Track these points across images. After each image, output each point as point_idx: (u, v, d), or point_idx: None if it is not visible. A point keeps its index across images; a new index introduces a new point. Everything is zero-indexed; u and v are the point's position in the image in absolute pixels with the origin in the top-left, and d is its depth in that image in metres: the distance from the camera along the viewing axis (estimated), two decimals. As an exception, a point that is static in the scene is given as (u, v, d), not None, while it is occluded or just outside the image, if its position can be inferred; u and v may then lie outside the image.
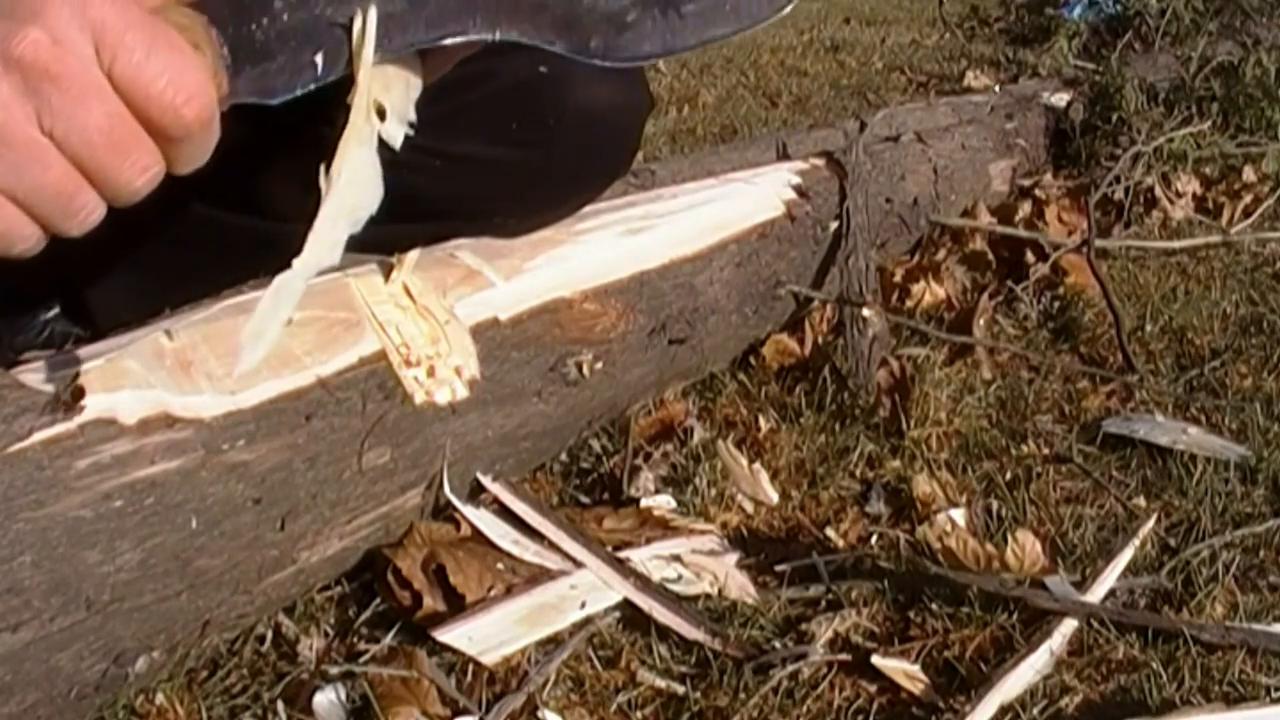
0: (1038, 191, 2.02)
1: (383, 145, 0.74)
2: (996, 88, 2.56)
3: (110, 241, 1.10)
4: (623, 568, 0.98)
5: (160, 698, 0.83)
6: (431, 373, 0.99)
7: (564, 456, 1.19)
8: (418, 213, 1.08)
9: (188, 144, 0.62)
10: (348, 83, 0.69)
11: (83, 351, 0.85)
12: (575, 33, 0.70)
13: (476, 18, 0.69)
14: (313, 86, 0.67)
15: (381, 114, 0.72)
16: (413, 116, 0.74)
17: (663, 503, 1.11)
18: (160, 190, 1.06)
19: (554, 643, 0.92)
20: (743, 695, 0.86)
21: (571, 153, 1.11)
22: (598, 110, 1.11)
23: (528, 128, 1.08)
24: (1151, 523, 1.08)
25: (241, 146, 1.04)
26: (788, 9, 0.74)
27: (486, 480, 1.04)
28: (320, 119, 1.02)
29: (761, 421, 1.26)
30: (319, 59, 0.66)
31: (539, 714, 0.84)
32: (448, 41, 0.69)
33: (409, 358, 0.98)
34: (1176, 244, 1.85)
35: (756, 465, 1.17)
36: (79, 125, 0.58)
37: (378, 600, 0.95)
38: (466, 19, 0.69)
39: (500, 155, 1.09)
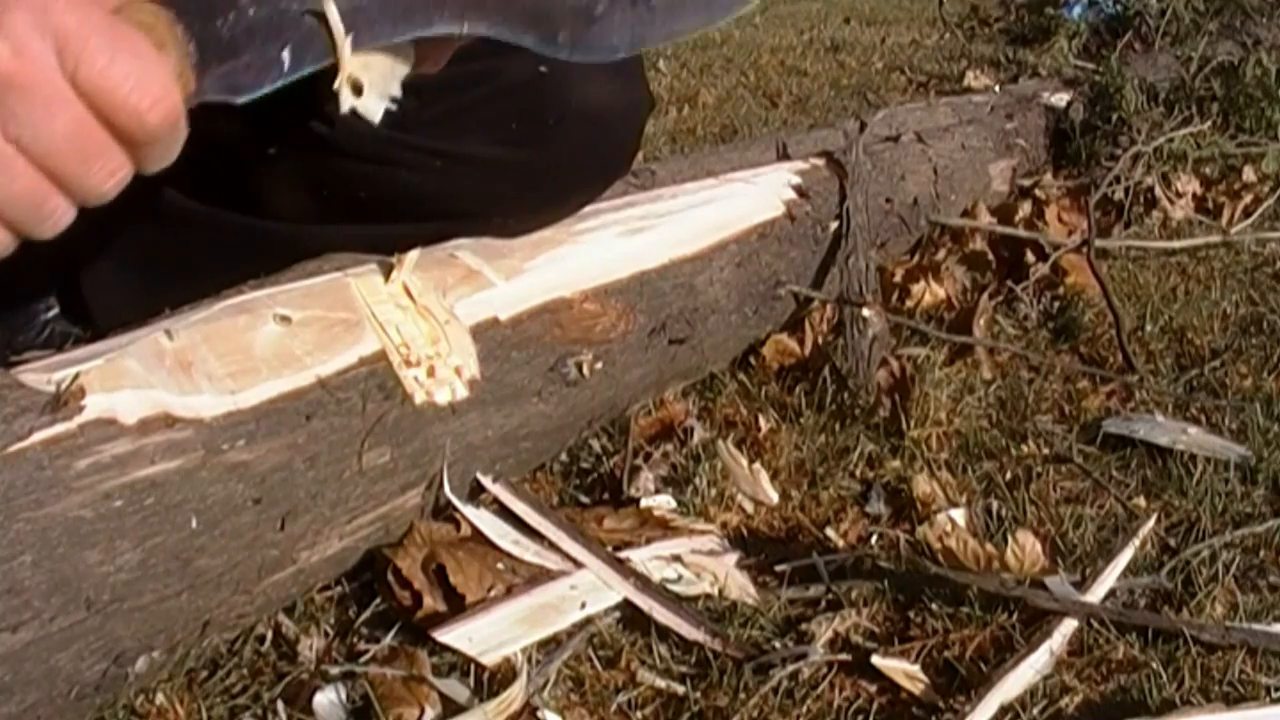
0: (1038, 191, 2.02)
1: (361, 119, 0.74)
2: (996, 88, 2.56)
3: (110, 242, 1.11)
4: (623, 568, 0.98)
5: (160, 698, 0.83)
6: (431, 373, 0.99)
7: (564, 456, 1.19)
8: (418, 213, 1.09)
9: (154, 146, 0.62)
10: (325, 76, 0.69)
11: (83, 351, 0.85)
12: (544, 25, 0.70)
13: (444, 10, 0.69)
14: (280, 83, 0.66)
15: (358, 89, 0.71)
16: (396, 93, 0.74)
17: (663, 503, 1.11)
18: (161, 190, 1.06)
19: (554, 643, 0.92)
20: (743, 695, 0.86)
21: (571, 153, 1.11)
22: (598, 110, 1.11)
23: (528, 128, 1.08)
24: (1151, 523, 1.08)
25: (241, 146, 1.05)
26: (754, 2, 0.74)
27: (486, 480, 1.04)
28: (319, 119, 1.03)
29: (761, 421, 1.26)
30: (286, 54, 0.66)
31: (539, 714, 0.84)
32: (415, 34, 0.69)
33: (409, 358, 0.98)
34: (1176, 244, 1.85)
35: (756, 465, 1.17)
36: (44, 134, 0.58)
37: (378, 600, 0.95)
38: (434, 11, 0.69)
39: (500, 155, 1.09)
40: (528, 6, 0.70)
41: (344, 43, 0.67)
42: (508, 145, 1.09)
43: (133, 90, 0.59)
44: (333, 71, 0.69)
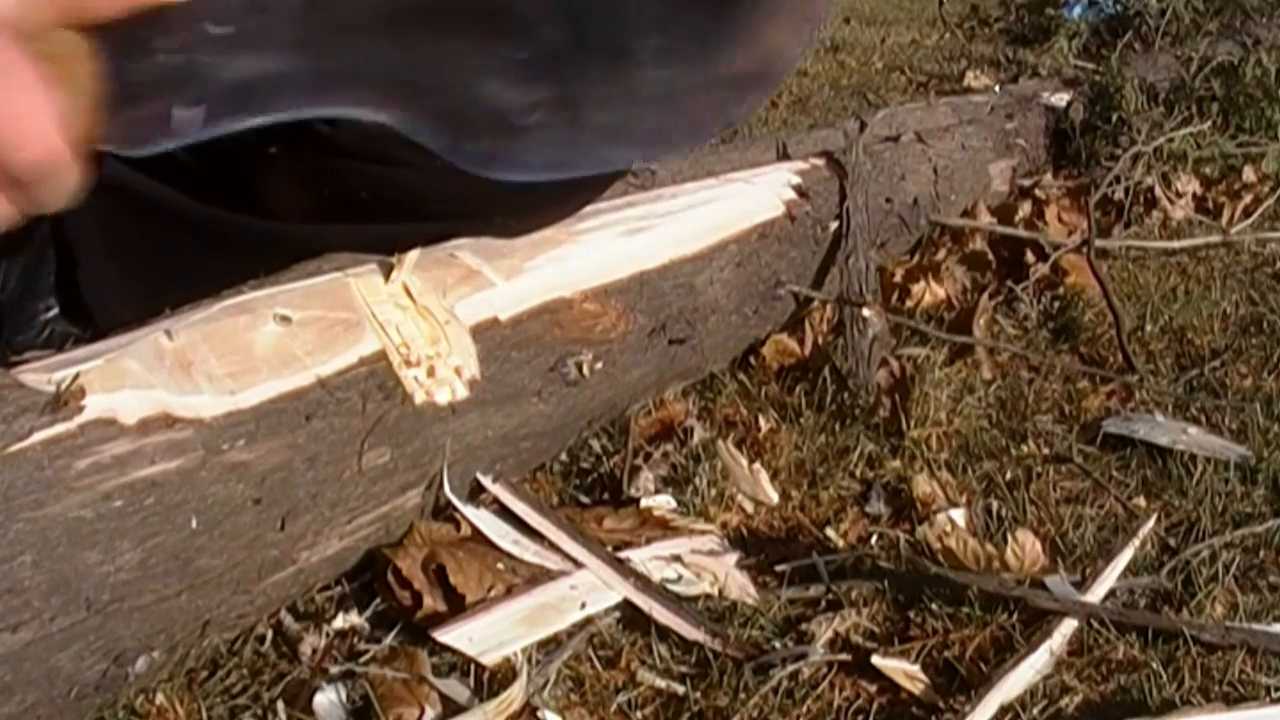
0: (1038, 191, 2.02)
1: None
2: (996, 88, 2.56)
3: (109, 242, 1.11)
4: (623, 568, 0.98)
5: (160, 698, 0.83)
6: (431, 373, 0.99)
7: (564, 456, 1.19)
8: (418, 213, 1.09)
9: (30, 187, 0.57)
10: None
11: (83, 351, 0.85)
12: (458, 128, 0.62)
13: (349, 94, 0.61)
14: (179, 142, 0.61)
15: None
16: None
17: (663, 503, 1.11)
18: (160, 190, 1.05)
19: (554, 643, 0.92)
20: (743, 695, 0.86)
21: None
22: None
23: None
24: (1151, 523, 1.08)
25: (241, 146, 1.05)
26: (711, 137, 0.65)
27: (486, 480, 1.04)
28: (321, 119, 1.02)
29: (761, 421, 1.26)
30: (189, 113, 0.60)
31: (539, 714, 0.84)
32: (319, 113, 0.62)
33: (409, 358, 0.98)
34: (1176, 244, 1.85)
35: (756, 465, 1.17)
36: None
37: (378, 600, 0.95)
38: (339, 94, 0.61)
39: None
40: (443, 104, 0.62)
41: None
42: None
43: (9, 125, 0.54)
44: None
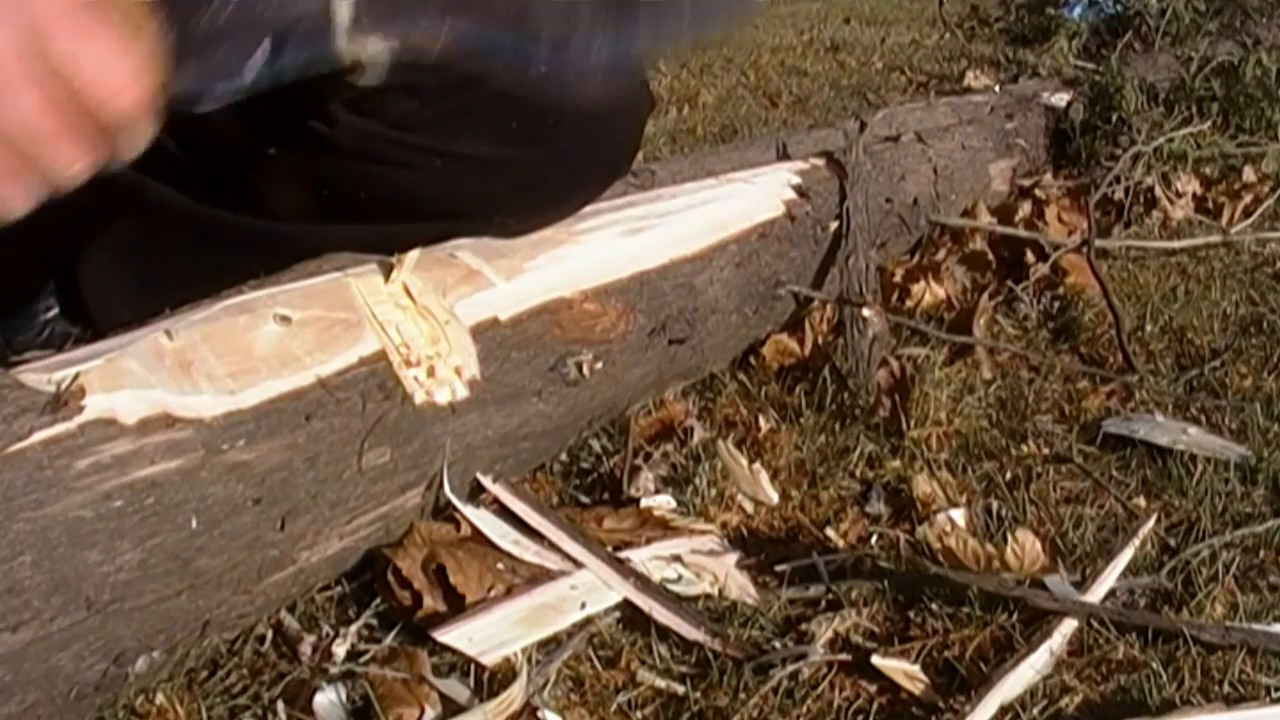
0: (1038, 191, 2.02)
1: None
2: (996, 88, 2.56)
3: (109, 242, 1.11)
4: (623, 568, 0.98)
5: (160, 698, 0.83)
6: (431, 373, 0.99)
7: (564, 456, 1.19)
8: (418, 213, 1.09)
9: (119, 134, 0.61)
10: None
11: (83, 351, 0.85)
12: (526, 25, 0.68)
13: (429, 9, 0.67)
14: (250, 83, 0.65)
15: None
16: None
17: (663, 503, 1.11)
18: (161, 190, 1.05)
19: (554, 643, 0.92)
20: (743, 695, 0.86)
21: (571, 152, 1.11)
22: (597, 110, 1.11)
23: (527, 127, 1.08)
24: (1151, 523, 1.08)
25: (241, 146, 1.05)
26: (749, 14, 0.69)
27: (486, 480, 1.04)
28: (319, 119, 1.03)
29: (761, 421, 1.26)
30: (259, 54, 0.64)
31: (539, 714, 0.84)
32: (401, 31, 0.67)
33: (409, 358, 0.98)
34: (1176, 244, 1.85)
35: (756, 465, 1.17)
36: (6, 116, 0.58)
37: (378, 600, 0.95)
38: (419, 11, 0.67)
39: (500, 155, 1.09)
40: (510, 6, 0.68)
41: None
42: (507, 145, 1.09)
43: (100, 76, 0.58)
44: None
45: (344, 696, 0.85)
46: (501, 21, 0.69)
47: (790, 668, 0.88)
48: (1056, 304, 1.62)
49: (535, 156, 1.10)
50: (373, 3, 0.66)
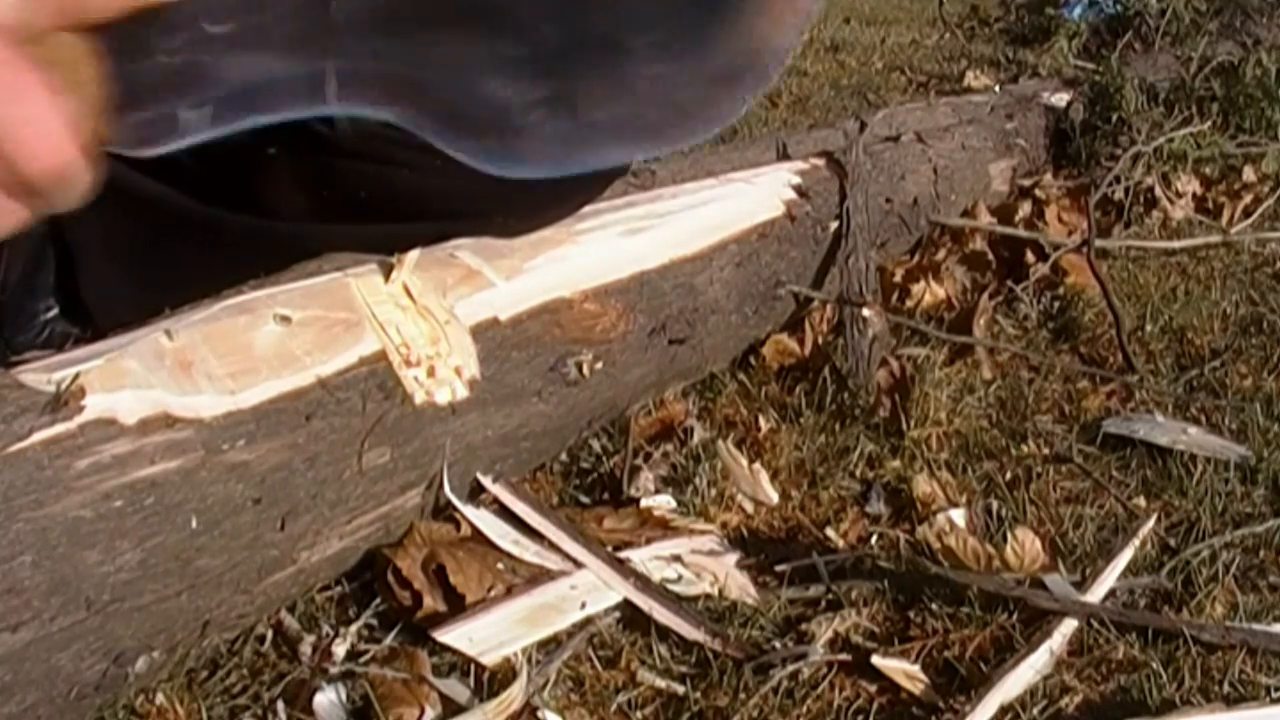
0: (1038, 191, 2.02)
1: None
2: (996, 88, 2.56)
3: (109, 242, 1.11)
4: (623, 568, 0.98)
5: (160, 698, 0.83)
6: (431, 373, 0.99)
7: (564, 456, 1.19)
8: (418, 213, 1.09)
9: (43, 196, 0.56)
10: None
11: (83, 351, 0.85)
12: (456, 125, 0.61)
13: (351, 92, 0.61)
14: (180, 146, 0.59)
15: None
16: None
17: (663, 503, 1.11)
18: (161, 190, 1.05)
19: (554, 643, 0.92)
20: (743, 695, 0.86)
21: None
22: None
23: None
24: (1151, 523, 1.08)
25: (241, 146, 1.05)
26: (713, 131, 0.63)
27: (486, 480, 1.04)
28: (320, 119, 1.02)
29: (761, 421, 1.26)
30: (194, 114, 0.59)
31: (539, 714, 0.84)
32: (319, 113, 0.64)
33: (409, 358, 0.98)
34: (1176, 244, 1.85)
35: (756, 465, 1.17)
36: None
37: (378, 600, 0.95)
38: (339, 92, 0.60)
39: None
40: (440, 101, 0.61)
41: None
42: None
43: (27, 138, 0.53)
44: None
45: (344, 696, 0.85)
46: (436, 117, 0.62)
47: (790, 668, 0.88)
48: (1056, 304, 1.62)
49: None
50: (303, 81, 0.61)
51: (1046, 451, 1.24)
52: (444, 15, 0.61)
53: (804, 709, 0.86)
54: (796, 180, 1.50)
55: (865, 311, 1.37)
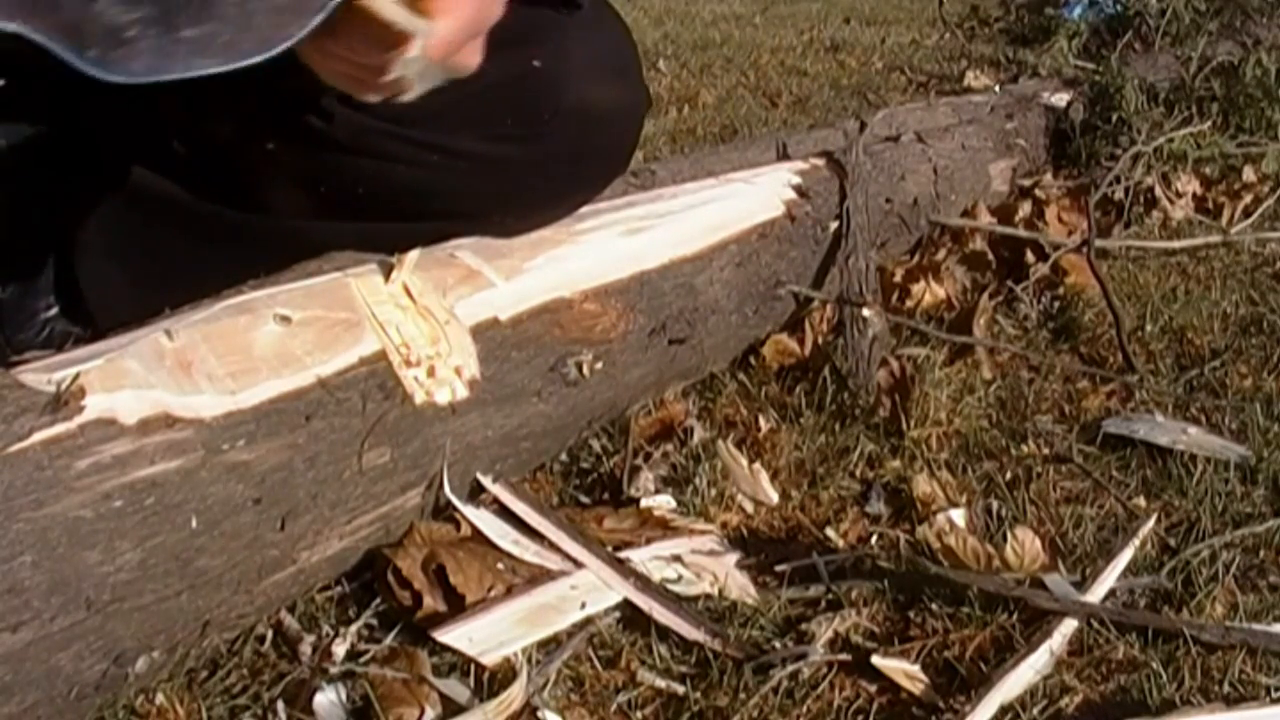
0: (1038, 191, 2.01)
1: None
2: (996, 88, 2.56)
3: (109, 241, 1.11)
4: (623, 568, 0.98)
5: (160, 698, 0.83)
6: (431, 373, 0.99)
7: (564, 456, 1.19)
8: (416, 210, 1.09)
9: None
10: None
11: (83, 351, 0.85)
12: (75, 38, 0.74)
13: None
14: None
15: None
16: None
17: (663, 503, 1.11)
18: (161, 187, 1.06)
19: (554, 643, 0.92)
20: (743, 695, 0.86)
21: (567, 149, 1.11)
22: (593, 107, 1.11)
23: (523, 123, 1.08)
24: (1151, 523, 1.08)
25: (239, 143, 1.05)
26: (277, 50, 0.75)
27: (486, 480, 1.04)
28: (316, 114, 1.03)
29: (761, 421, 1.26)
30: None
31: (539, 714, 0.84)
32: None
33: (409, 358, 0.98)
34: (1176, 244, 1.84)
35: (756, 465, 1.17)
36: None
37: (378, 600, 0.95)
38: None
39: (496, 150, 1.09)
40: (65, 19, 0.74)
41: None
42: (503, 140, 1.09)
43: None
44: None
45: (344, 696, 0.85)
46: (55, 30, 0.74)
47: (790, 668, 0.88)
48: (1056, 304, 1.62)
49: (533, 154, 1.10)
50: None
51: (1046, 451, 1.24)
52: None
53: (804, 709, 0.86)
54: (796, 180, 1.50)
55: (865, 311, 1.37)
